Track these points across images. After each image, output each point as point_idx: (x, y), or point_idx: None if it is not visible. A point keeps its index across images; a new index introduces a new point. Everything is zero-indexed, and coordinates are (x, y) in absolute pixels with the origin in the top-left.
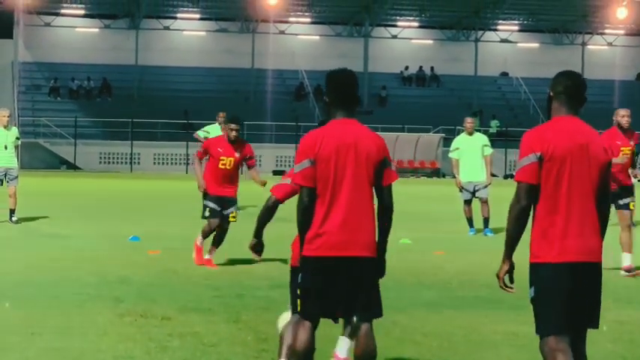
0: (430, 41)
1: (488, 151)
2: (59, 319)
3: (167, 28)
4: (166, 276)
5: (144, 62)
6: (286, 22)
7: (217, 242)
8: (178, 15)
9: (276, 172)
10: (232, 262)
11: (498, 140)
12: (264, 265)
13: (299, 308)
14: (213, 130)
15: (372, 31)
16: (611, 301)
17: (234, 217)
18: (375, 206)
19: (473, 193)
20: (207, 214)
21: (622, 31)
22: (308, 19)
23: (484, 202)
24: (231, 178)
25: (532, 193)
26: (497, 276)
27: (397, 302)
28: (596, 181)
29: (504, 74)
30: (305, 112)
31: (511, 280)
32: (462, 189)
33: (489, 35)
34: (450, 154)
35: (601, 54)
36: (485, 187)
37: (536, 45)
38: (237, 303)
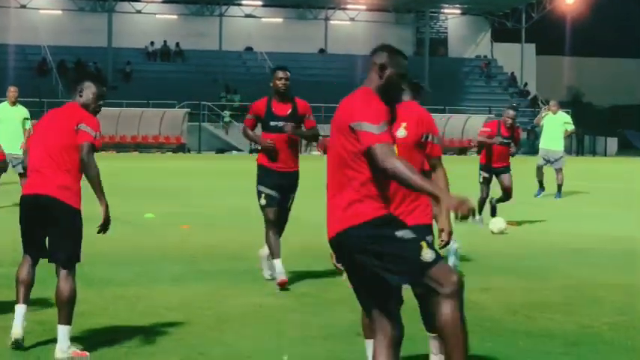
0: (175, 16)
1: (28, 124)
2: None
3: None
4: None
5: None
6: None
7: None
8: None
9: None
10: None
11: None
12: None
13: None
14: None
15: (116, 6)
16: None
17: None
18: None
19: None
20: None
21: (363, 7)
22: None
23: (21, 175)
24: None
25: None
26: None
27: (141, 277)
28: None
29: (249, 49)
30: (48, 88)
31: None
32: None
33: (234, 10)
34: None
35: (344, 29)
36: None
37: (280, 20)
38: None
